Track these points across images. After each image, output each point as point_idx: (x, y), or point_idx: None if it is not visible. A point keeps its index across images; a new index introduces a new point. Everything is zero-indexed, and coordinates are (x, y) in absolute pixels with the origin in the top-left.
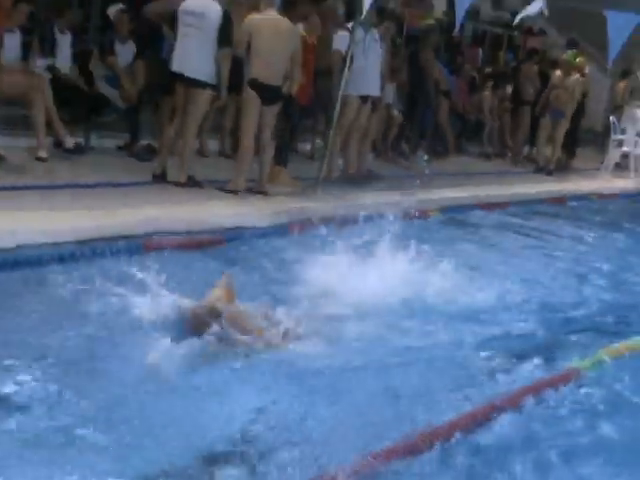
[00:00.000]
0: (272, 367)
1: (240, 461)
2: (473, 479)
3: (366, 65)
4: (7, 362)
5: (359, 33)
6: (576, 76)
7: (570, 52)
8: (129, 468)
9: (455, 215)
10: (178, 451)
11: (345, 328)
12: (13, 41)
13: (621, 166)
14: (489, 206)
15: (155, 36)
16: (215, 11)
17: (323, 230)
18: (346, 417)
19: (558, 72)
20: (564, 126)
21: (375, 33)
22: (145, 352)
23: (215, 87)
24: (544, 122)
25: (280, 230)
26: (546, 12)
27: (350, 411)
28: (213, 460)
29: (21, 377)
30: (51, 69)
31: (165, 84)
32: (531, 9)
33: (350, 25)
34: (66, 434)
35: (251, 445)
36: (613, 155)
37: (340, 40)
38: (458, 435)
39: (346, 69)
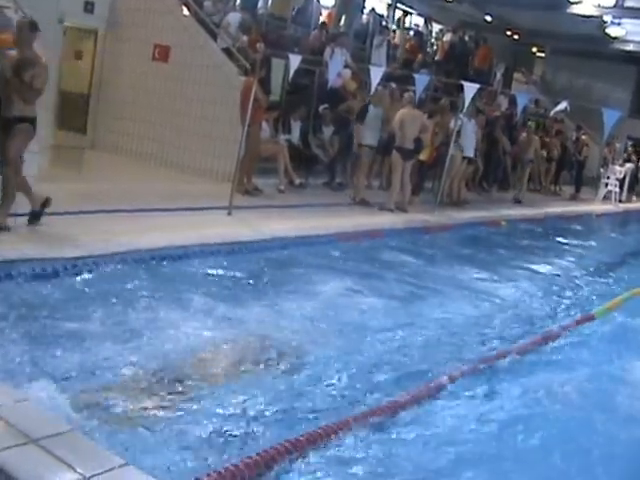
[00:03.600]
0: None
1: None
2: None
3: (466, 138)
4: None
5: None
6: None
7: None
8: None
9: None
10: None
11: None
12: (268, 126)
13: (607, 197)
14: (534, 221)
15: (345, 123)
16: None
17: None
18: None
19: None
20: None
21: (473, 121)
22: None
23: None
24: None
25: (412, 231)
26: (569, 108)
27: None
28: None
29: None
30: (288, 141)
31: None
32: (560, 106)
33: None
34: None
35: None
36: (602, 192)
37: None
38: None
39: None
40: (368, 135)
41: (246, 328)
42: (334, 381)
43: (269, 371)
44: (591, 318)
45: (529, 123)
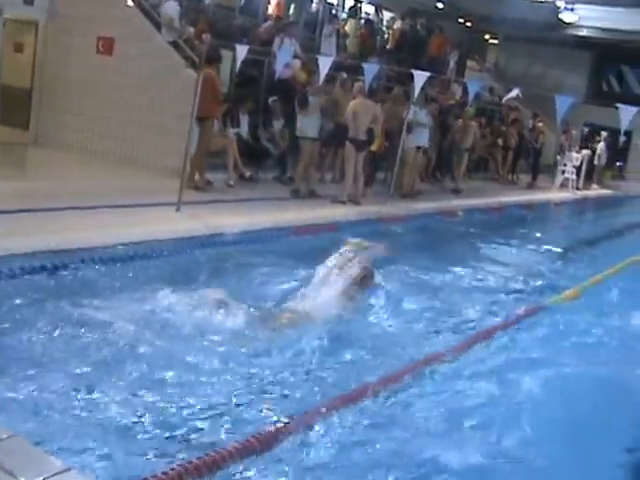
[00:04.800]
0: None
1: None
2: None
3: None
4: None
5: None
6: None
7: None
8: None
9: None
10: None
11: None
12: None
13: (564, 185)
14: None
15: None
16: None
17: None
18: None
19: None
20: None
21: (424, 110)
22: None
23: None
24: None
25: (365, 223)
26: (520, 96)
27: None
28: None
29: None
30: (237, 135)
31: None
32: (511, 93)
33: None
34: None
35: None
36: (559, 179)
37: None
38: None
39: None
40: (308, 126)
41: None
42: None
43: None
44: (543, 309)
45: (467, 109)
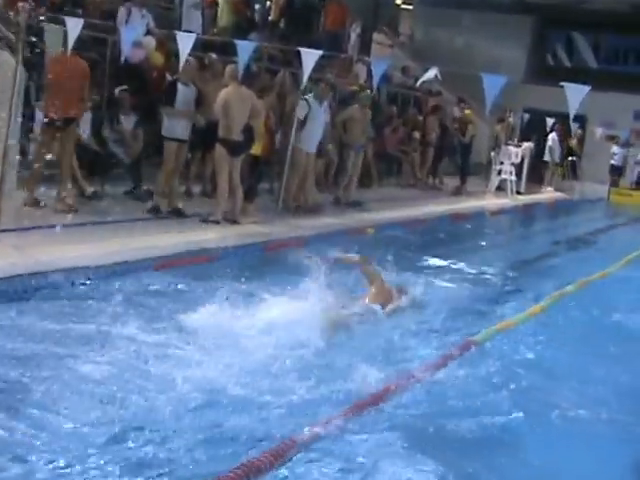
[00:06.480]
0: None
1: None
2: None
3: (313, 128)
4: None
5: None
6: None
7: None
8: None
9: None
10: None
11: None
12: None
13: (501, 188)
14: (408, 225)
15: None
16: None
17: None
18: None
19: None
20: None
21: (324, 104)
22: None
23: None
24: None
25: (247, 249)
26: (439, 76)
27: None
28: None
29: None
30: None
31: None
32: (428, 74)
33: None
34: None
35: None
36: (494, 181)
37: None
38: None
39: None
40: (177, 125)
41: None
42: None
43: None
44: (471, 344)
45: (361, 95)
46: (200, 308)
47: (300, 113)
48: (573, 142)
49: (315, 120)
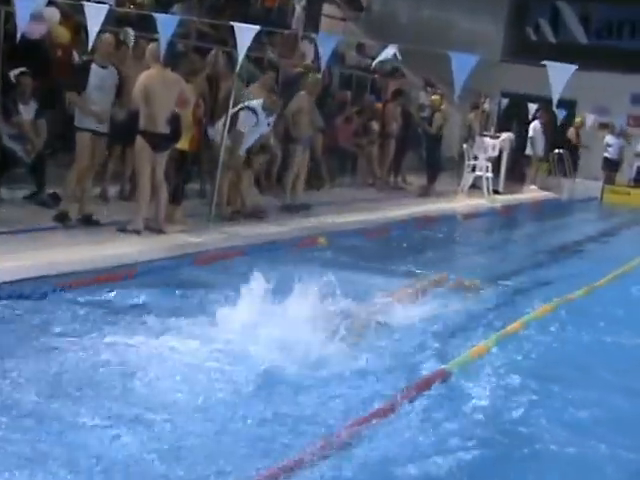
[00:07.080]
0: None
1: None
2: None
3: (251, 137)
4: None
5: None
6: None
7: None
8: None
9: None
10: None
11: None
12: None
13: (476, 186)
14: (366, 233)
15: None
16: None
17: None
18: None
19: None
20: None
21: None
22: None
23: None
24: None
25: (173, 263)
26: (399, 56)
27: None
28: None
29: None
30: None
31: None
32: (385, 54)
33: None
34: None
35: None
36: (467, 179)
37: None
38: None
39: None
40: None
41: None
42: None
43: None
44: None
45: (308, 78)
46: (112, 336)
47: (243, 125)
48: (571, 132)
49: (256, 131)
